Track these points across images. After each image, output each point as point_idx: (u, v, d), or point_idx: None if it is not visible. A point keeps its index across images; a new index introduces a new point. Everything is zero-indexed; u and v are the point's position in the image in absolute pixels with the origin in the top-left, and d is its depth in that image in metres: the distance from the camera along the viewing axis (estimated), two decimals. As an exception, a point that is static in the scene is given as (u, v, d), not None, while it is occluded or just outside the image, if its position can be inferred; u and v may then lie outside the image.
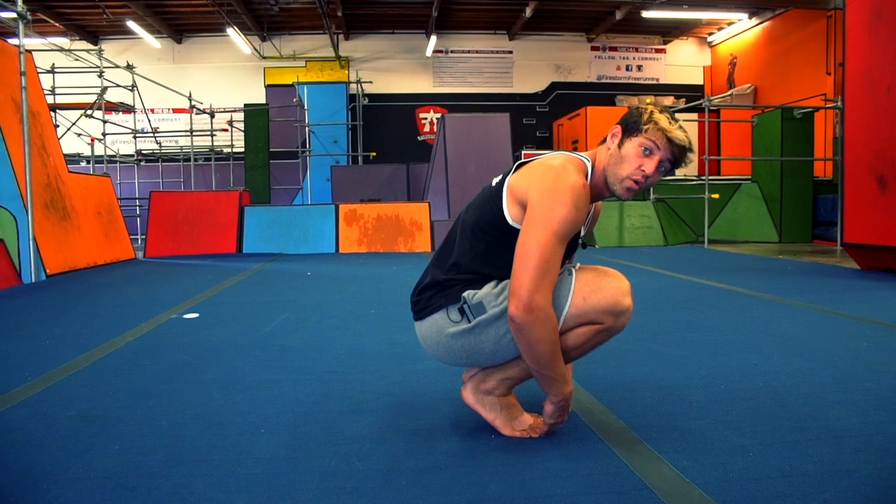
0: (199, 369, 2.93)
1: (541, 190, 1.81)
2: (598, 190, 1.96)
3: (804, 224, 10.70)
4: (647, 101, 1.96)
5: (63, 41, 14.79)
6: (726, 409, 2.22)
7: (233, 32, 14.08)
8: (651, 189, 10.92)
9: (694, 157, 1.93)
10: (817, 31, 13.05)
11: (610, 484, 1.66)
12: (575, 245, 2.03)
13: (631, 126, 1.90)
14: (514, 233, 1.85)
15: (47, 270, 6.54)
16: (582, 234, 2.03)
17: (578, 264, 1.98)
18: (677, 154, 1.88)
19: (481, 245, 1.94)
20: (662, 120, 1.87)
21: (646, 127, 1.87)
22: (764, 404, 2.27)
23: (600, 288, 1.86)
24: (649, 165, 1.87)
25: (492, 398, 2.01)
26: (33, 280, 6.36)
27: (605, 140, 1.97)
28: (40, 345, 3.54)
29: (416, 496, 1.61)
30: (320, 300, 5.04)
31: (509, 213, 1.89)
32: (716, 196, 10.31)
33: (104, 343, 3.49)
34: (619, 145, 1.91)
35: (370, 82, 15.81)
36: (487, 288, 1.90)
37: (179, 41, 16.21)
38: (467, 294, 1.90)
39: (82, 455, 1.92)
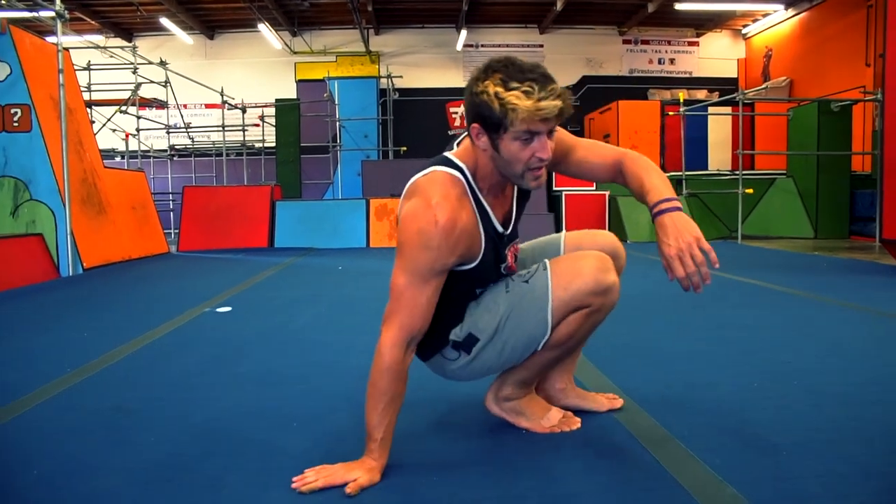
0: (231, 363, 2.97)
1: (400, 224, 1.67)
2: (495, 184, 1.76)
3: (841, 220, 10.49)
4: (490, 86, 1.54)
5: (99, 38, 15.04)
6: (759, 408, 2.19)
7: (264, 28, 14.18)
8: (683, 184, 10.80)
9: (572, 111, 1.63)
10: (856, 21, 12.78)
11: (640, 480, 1.65)
12: (505, 239, 1.85)
13: (492, 124, 1.59)
14: None
15: (84, 264, 6.67)
16: (508, 231, 1.86)
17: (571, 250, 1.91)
18: (559, 118, 1.60)
19: None
20: (520, 101, 1.54)
21: (509, 121, 1.56)
22: (797, 403, 2.24)
23: (579, 273, 1.76)
24: (541, 150, 1.62)
25: (513, 403, 2.01)
26: (71, 273, 6.49)
27: (468, 135, 1.71)
28: (78, 337, 3.62)
29: (447, 492, 1.62)
30: (351, 295, 5.08)
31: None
32: (749, 191, 10.16)
33: (139, 336, 3.55)
34: (495, 147, 1.63)
35: (400, 77, 15.82)
36: (469, 318, 1.85)
37: (211, 37, 16.38)
38: (454, 334, 1.84)
39: (120, 446, 1.96)
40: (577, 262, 1.80)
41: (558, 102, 1.56)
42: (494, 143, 1.63)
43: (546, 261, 1.84)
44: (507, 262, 1.88)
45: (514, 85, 1.55)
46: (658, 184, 1.76)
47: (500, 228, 1.82)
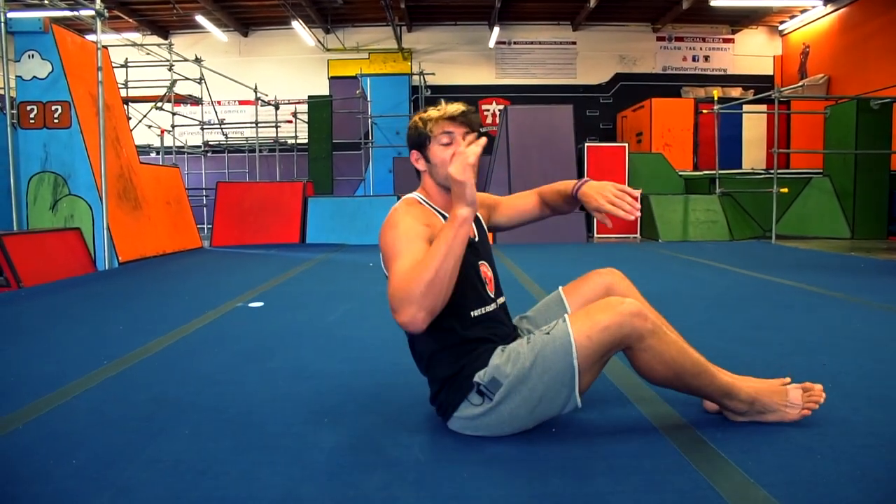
0: (264, 357, 3.01)
1: (382, 231, 1.91)
2: (446, 205, 2.05)
3: (879, 220, 10.29)
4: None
5: (136, 36, 15.26)
6: (794, 411, 2.16)
7: (297, 25, 14.29)
8: (717, 182, 10.67)
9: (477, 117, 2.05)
10: (897, 18, 12.49)
11: (673, 482, 1.64)
12: (472, 245, 2.01)
13: (421, 142, 2.03)
14: None
15: (120, 258, 6.79)
16: (476, 238, 2.07)
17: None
18: (465, 121, 1.99)
19: None
20: (433, 112, 2.01)
21: (430, 129, 2.00)
22: (833, 406, 2.20)
23: (596, 324, 1.82)
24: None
25: (745, 411, 2.08)
26: (107, 267, 6.61)
27: (419, 174, 2.10)
28: (114, 330, 3.68)
29: (478, 489, 1.62)
30: (382, 291, 5.09)
31: (386, 268, 1.92)
32: (785, 190, 10.01)
33: (173, 330, 3.61)
34: (428, 160, 2.04)
35: (433, 74, 15.84)
36: (494, 359, 1.90)
37: (246, 34, 16.54)
38: (478, 377, 1.89)
39: (155, 437, 1.99)
40: (594, 314, 1.85)
41: (461, 106, 2.00)
42: (427, 157, 2.04)
43: (566, 314, 1.94)
44: (482, 273, 2.04)
45: (429, 107, 2.04)
46: (569, 181, 2.19)
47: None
